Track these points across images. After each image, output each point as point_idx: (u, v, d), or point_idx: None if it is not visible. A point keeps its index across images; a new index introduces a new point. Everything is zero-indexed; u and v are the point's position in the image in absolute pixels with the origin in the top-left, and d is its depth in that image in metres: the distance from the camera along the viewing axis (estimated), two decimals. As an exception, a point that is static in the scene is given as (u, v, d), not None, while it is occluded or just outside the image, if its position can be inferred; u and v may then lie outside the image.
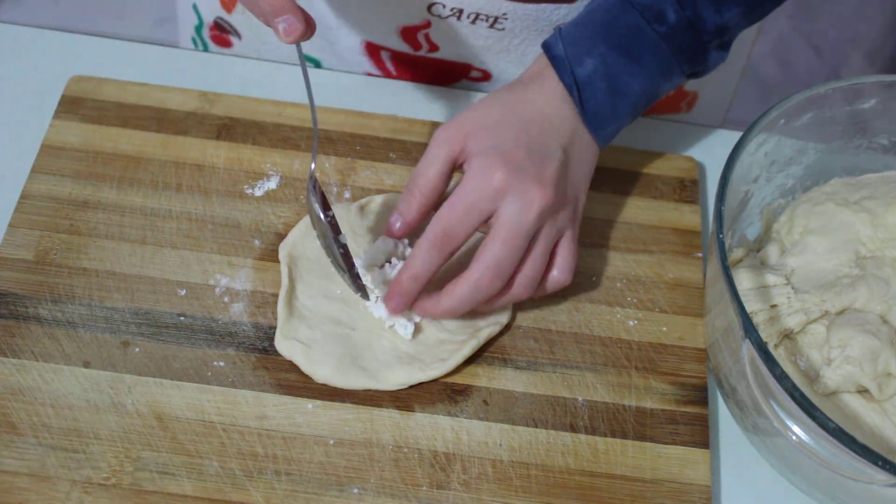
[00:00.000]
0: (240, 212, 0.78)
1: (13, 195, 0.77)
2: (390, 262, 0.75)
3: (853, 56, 2.18)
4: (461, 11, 0.82)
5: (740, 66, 0.99)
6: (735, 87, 1.02)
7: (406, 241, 0.76)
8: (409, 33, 0.86)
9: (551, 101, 0.72)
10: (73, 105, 0.82)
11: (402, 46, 0.88)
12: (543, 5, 0.81)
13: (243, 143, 0.82)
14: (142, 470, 0.67)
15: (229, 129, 0.82)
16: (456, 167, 0.71)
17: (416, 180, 0.71)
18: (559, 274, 0.72)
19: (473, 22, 0.83)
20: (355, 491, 0.67)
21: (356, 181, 0.81)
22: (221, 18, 0.95)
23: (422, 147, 0.83)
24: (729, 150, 0.71)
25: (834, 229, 0.76)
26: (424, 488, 0.67)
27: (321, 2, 0.87)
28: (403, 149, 0.83)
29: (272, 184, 0.80)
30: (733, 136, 0.85)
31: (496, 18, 0.83)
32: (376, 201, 0.79)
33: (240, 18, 0.94)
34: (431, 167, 0.71)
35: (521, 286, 0.70)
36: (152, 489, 0.66)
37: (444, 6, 0.82)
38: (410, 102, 0.87)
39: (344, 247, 0.71)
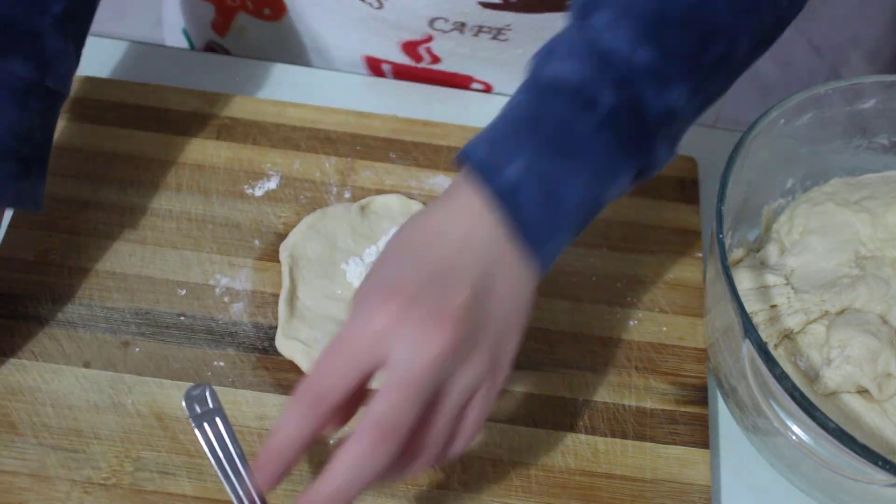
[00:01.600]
0: (240, 212, 0.78)
1: (13, 195, 0.78)
2: None
3: (853, 56, 2.18)
4: (464, 25, 0.82)
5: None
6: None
7: None
8: (410, 47, 0.86)
9: (465, 219, 0.56)
10: (73, 105, 0.82)
11: (404, 59, 0.88)
12: (547, 14, 0.81)
13: (243, 143, 0.82)
14: (142, 470, 0.67)
15: (229, 129, 0.82)
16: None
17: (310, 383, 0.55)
18: (457, 442, 0.56)
19: (476, 35, 0.83)
20: (355, 491, 0.67)
21: (356, 181, 0.81)
22: (213, 42, 0.95)
23: (422, 147, 0.83)
24: (729, 150, 0.71)
25: (834, 229, 0.77)
26: (424, 488, 0.67)
27: (318, 21, 0.88)
28: (403, 149, 0.83)
29: (272, 184, 0.80)
30: (733, 136, 0.85)
31: (499, 30, 0.82)
32: (376, 201, 0.79)
33: (231, 42, 0.94)
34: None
35: (430, 453, 0.55)
36: (152, 489, 0.66)
37: (446, 20, 0.81)
38: (410, 102, 0.87)
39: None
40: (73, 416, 0.68)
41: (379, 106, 0.86)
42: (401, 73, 0.89)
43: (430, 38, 0.84)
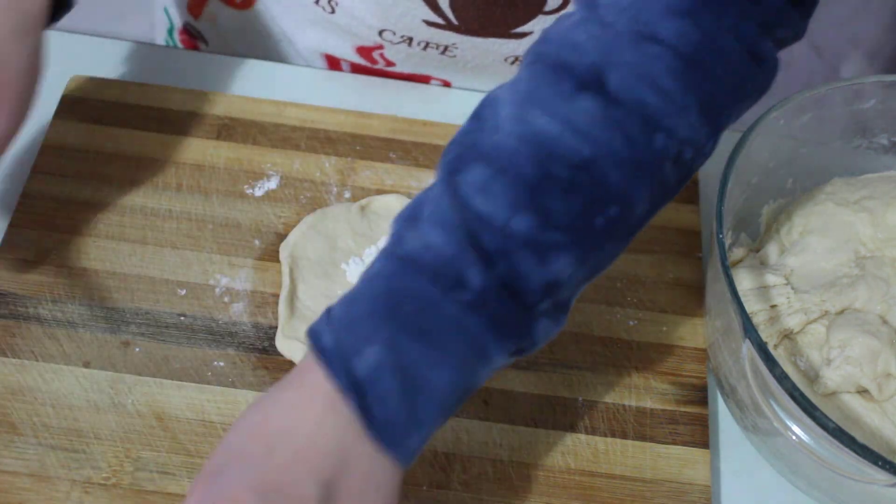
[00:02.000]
0: (240, 212, 0.78)
1: (13, 195, 0.77)
2: None
3: (853, 56, 2.18)
4: (411, 39, 0.82)
5: None
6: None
7: None
8: (364, 51, 0.86)
9: (309, 412, 0.51)
10: (73, 105, 0.82)
11: (360, 60, 0.88)
12: (492, 39, 0.81)
13: (243, 143, 0.82)
14: (142, 470, 0.67)
15: (229, 129, 0.82)
16: None
17: None
18: None
19: (424, 49, 0.83)
20: (355, 491, 0.67)
21: (356, 181, 0.81)
22: (189, 24, 0.95)
23: (422, 147, 0.83)
24: (729, 150, 0.71)
25: (834, 229, 0.76)
26: (424, 488, 0.67)
27: (281, 15, 0.88)
28: (403, 149, 0.83)
29: (272, 184, 0.80)
30: (733, 137, 0.85)
31: (446, 47, 0.82)
32: (376, 201, 0.79)
33: (205, 26, 0.94)
34: None
35: None
36: (152, 489, 0.66)
37: (393, 33, 0.82)
38: (410, 102, 0.87)
39: None
40: (73, 416, 0.68)
41: (379, 106, 0.86)
42: (359, 70, 0.89)
43: (381, 46, 0.85)
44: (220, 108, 0.83)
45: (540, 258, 0.52)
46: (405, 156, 0.82)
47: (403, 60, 0.86)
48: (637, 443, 0.70)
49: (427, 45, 0.82)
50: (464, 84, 0.89)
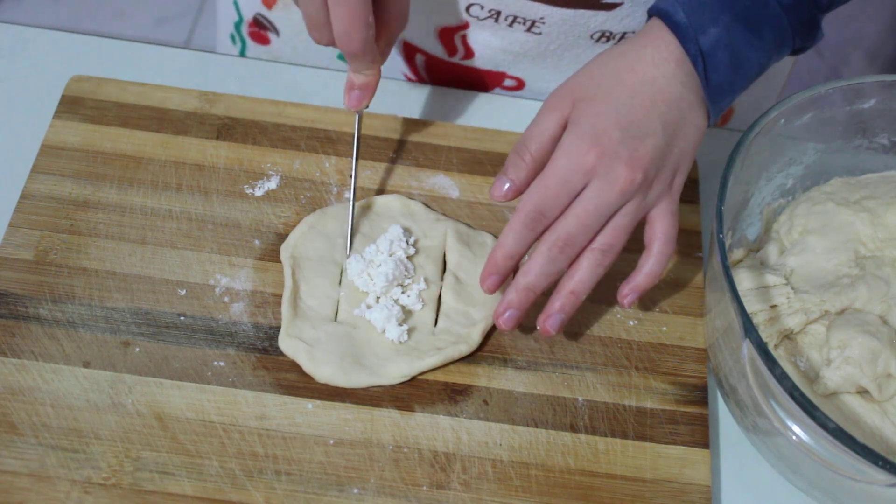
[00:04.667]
0: (240, 212, 0.78)
1: (13, 195, 0.77)
2: (401, 287, 0.75)
3: (853, 56, 2.18)
4: (499, 13, 0.82)
5: (784, 74, 0.99)
6: (778, 95, 1.01)
7: (412, 266, 0.76)
8: (446, 35, 0.86)
9: (665, 69, 0.69)
10: (73, 105, 0.82)
11: (438, 50, 0.87)
12: (581, 11, 0.81)
13: (243, 143, 0.82)
14: (142, 470, 0.67)
15: (229, 129, 0.82)
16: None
17: (526, 145, 0.70)
18: (660, 243, 0.70)
19: (511, 25, 0.83)
20: (355, 491, 0.67)
21: (356, 181, 0.81)
22: (261, 15, 0.95)
23: (422, 147, 0.83)
24: (729, 150, 0.71)
25: (834, 229, 0.76)
26: (424, 488, 0.67)
27: None
28: (403, 149, 0.83)
29: (272, 184, 0.80)
30: (733, 136, 0.85)
31: (533, 22, 0.82)
32: (376, 201, 0.79)
33: (279, 15, 0.93)
34: (544, 133, 0.69)
35: (600, 252, 0.69)
36: (152, 489, 0.66)
37: (481, 7, 0.82)
38: (410, 102, 0.87)
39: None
40: (73, 416, 0.68)
41: (379, 106, 0.86)
42: (433, 67, 0.89)
43: (466, 25, 0.84)
44: (220, 108, 0.83)
45: None
46: (405, 156, 0.82)
47: (483, 47, 0.86)
48: (637, 443, 0.70)
49: (514, 20, 0.82)
50: (539, 83, 0.89)
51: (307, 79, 0.88)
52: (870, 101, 0.77)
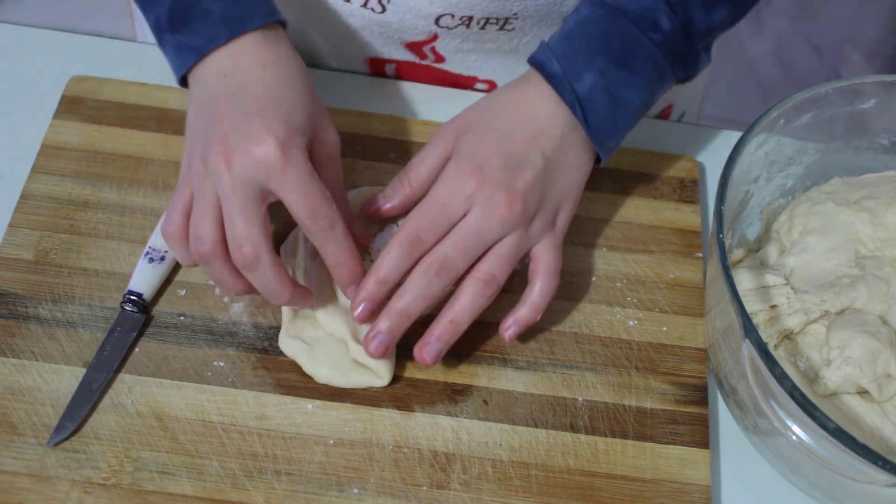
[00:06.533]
0: (240, 212, 0.78)
1: (13, 195, 0.77)
2: None
3: (853, 56, 2.18)
4: (470, 19, 0.82)
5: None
6: (703, 87, 1.02)
7: None
8: (415, 47, 0.86)
9: (545, 108, 0.71)
10: (73, 105, 0.82)
11: (408, 56, 0.87)
12: None
13: (243, 143, 0.82)
14: (142, 470, 0.67)
15: (229, 129, 0.82)
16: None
17: (408, 174, 0.72)
18: (543, 277, 0.71)
19: (483, 27, 0.83)
20: (355, 491, 0.67)
21: (356, 181, 0.81)
22: None
23: (422, 147, 0.83)
24: (729, 150, 0.71)
25: (834, 229, 0.76)
26: (424, 488, 0.68)
27: (319, 32, 0.87)
28: (403, 149, 0.83)
29: (272, 184, 0.80)
30: (733, 136, 0.85)
31: (506, 20, 0.82)
32: (376, 201, 0.79)
33: None
34: (424, 163, 0.72)
35: (483, 282, 0.68)
36: (152, 489, 0.66)
37: (453, 16, 0.81)
38: (410, 102, 0.87)
39: None
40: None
41: (379, 106, 0.86)
42: (404, 71, 0.89)
43: (435, 37, 0.84)
44: (220, 108, 0.83)
45: (707, 9, 0.72)
46: (405, 156, 0.82)
47: (454, 52, 0.86)
48: (637, 443, 0.70)
49: (487, 21, 0.82)
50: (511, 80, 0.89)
51: (307, 79, 0.88)
52: (870, 101, 0.77)
